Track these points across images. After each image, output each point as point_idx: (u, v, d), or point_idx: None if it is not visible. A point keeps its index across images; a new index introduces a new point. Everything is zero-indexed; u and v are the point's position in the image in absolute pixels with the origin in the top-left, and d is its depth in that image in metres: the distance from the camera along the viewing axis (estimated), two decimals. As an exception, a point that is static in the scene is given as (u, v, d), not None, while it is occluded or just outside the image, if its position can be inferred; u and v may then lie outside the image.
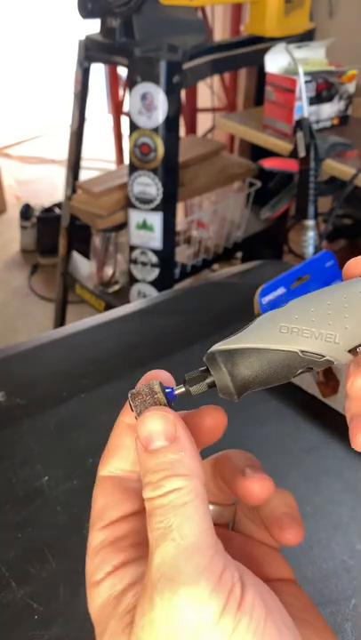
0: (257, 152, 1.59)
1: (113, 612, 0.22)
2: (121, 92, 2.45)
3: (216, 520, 0.30)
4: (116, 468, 0.26)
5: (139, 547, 0.25)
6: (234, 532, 0.30)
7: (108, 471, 0.27)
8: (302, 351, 0.25)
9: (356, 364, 0.25)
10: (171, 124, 1.26)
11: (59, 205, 2.43)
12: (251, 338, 0.26)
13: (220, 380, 0.26)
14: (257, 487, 0.26)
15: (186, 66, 1.24)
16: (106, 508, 0.26)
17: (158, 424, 0.24)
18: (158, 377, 0.27)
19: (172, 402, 0.26)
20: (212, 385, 0.26)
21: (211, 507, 0.30)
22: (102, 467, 0.27)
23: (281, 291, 0.63)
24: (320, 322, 0.25)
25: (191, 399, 0.27)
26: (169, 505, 0.22)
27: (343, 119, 1.43)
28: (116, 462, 0.26)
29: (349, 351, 0.25)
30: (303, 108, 1.19)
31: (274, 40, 1.45)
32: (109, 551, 0.24)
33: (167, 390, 0.26)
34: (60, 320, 1.78)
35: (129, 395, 0.26)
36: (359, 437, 0.23)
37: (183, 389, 0.26)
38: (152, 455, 0.23)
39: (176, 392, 0.26)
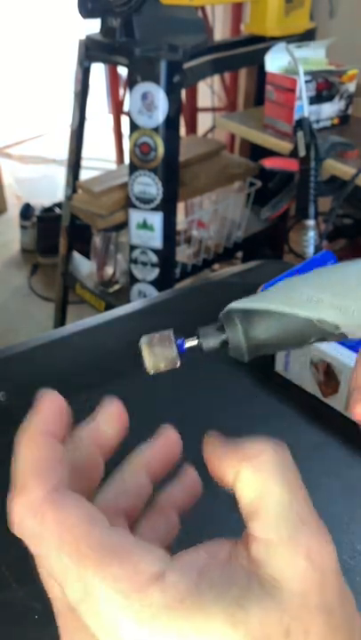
0: (257, 152, 1.59)
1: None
2: (121, 91, 2.45)
3: None
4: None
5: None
6: None
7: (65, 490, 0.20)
8: (319, 320, 0.25)
9: None
10: (171, 123, 1.26)
11: (59, 205, 2.42)
12: (270, 299, 0.25)
13: (233, 337, 0.25)
14: None
15: (186, 65, 1.24)
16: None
17: None
18: (52, 405, 0.22)
19: (182, 355, 0.26)
20: (225, 343, 0.26)
21: None
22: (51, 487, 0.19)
23: (281, 290, 0.63)
24: (341, 293, 0.25)
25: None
26: None
27: (344, 119, 1.43)
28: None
29: None
30: (304, 108, 1.18)
31: (274, 40, 1.45)
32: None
33: (178, 342, 0.26)
34: (60, 320, 1.78)
35: (143, 342, 0.25)
36: (358, 408, 0.24)
37: (195, 343, 0.26)
38: None
39: (187, 345, 0.26)
